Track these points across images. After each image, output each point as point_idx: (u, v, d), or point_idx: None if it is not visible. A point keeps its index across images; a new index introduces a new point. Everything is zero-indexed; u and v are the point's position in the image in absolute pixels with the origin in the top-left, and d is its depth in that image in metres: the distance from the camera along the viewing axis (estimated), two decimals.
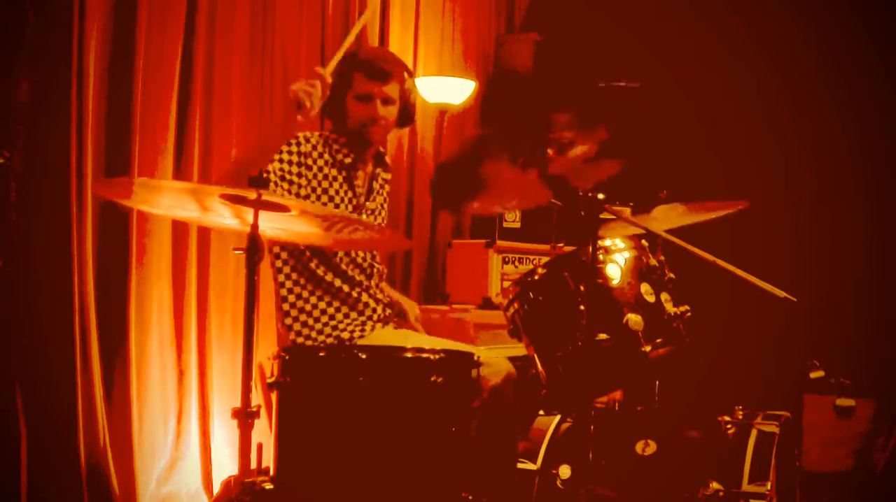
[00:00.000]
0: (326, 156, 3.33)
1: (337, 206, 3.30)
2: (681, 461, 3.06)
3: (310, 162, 3.29)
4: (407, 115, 3.45)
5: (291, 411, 2.60)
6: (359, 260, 3.36)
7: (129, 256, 3.81)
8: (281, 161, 3.23)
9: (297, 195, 3.23)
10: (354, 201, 3.37)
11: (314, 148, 3.31)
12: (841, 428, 4.86)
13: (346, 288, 3.32)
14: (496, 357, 3.11)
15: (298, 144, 3.28)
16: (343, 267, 3.32)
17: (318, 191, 3.30)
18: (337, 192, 3.33)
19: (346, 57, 3.30)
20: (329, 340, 3.26)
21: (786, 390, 4.87)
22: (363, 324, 3.31)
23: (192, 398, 4.10)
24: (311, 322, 3.28)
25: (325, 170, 3.32)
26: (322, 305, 3.29)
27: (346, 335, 3.26)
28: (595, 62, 5.64)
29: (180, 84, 4.03)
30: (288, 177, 3.23)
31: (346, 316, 3.31)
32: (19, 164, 3.45)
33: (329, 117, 3.43)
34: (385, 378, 2.55)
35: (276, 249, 3.31)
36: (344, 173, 3.36)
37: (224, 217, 2.53)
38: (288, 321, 3.29)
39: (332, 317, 3.29)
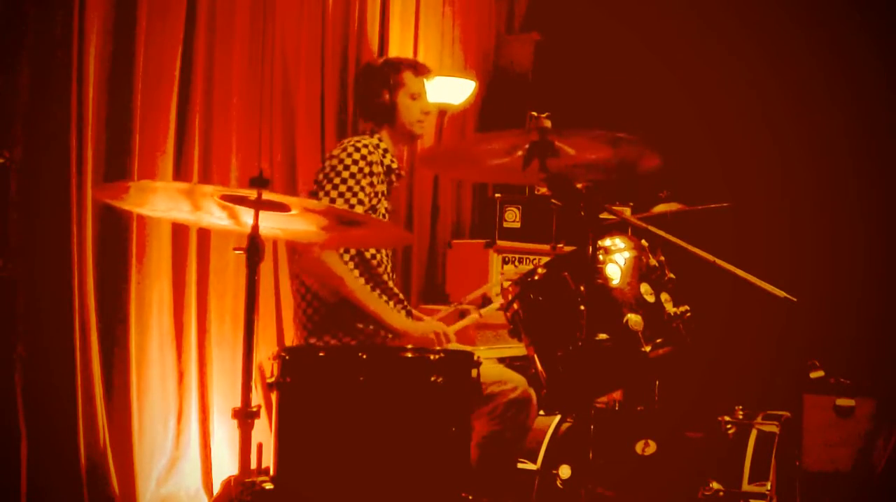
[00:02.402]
0: (383, 161, 3.35)
1: (374, 209, 3.30)
2: (681, 461, 3.06)
3: (377, 169, 3.30)
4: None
5: (291, 411, 2.60)
6: (374, 261, 3.37)
7: (129, 256, 3.81)
8: (362, 173, 3.24)
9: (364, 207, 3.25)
10: (385, 203, 3.39)
11: (377, 156, 3.32)
12: (841, 428, 4.86)
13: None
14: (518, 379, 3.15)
15: (370, 153, 3.28)
16: (377, 270, 3.34)
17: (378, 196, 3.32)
18: (376, 194, 3.34)
19: (385, 63, 3.49)
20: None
21: (786, 390, 4.87)
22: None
23: (192, 398, 4.10)
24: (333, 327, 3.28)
25: (382, 175, 3.34)
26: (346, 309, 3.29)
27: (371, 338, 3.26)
28: (595, 62, 5.64)
29: (180, 84, 4.03)
30: (366, 189, 3.24)
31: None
32: (19, 165, 3.45)
33: (374, 121, 3.46)
34: (385, 378, 2.55)
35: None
36: (386, 177, 3.38)
37: (222, 219, 2.53)
38: (310, 326, 3.29)
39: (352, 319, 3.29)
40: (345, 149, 3.29)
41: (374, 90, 3.45)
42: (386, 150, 3.39)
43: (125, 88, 3.80)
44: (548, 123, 2.62)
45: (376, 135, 3.41)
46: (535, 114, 2.63)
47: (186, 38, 4.05)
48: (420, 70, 3.49)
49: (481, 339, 4.34)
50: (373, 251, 3.32)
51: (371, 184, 3.26)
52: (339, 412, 2.53)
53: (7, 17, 3.42)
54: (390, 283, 3.38)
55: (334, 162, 3.28)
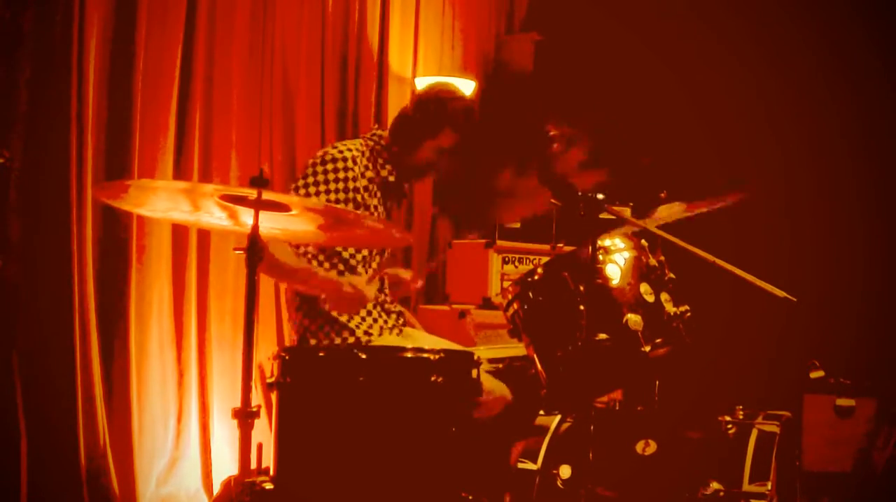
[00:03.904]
0: (370, 172, 3.29)
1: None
2: (681, 461, 3.05)
3: (360, 184, 3.24)
4: None
5: (291, 411, 2.60)
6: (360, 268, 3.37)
7: (129, 256, 3.81)
8: (328, 193, 3.19)
9: None
10: (379, 213, 3.37)
11: (359, 166, 3.25)
12: (841, 428, 4.86)
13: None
14: (492, 382, 3.13)
15: (348, 170, 3.21)
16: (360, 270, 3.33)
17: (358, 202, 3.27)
18: (373, 204, 3.32)
19: (438, 102, 3.30)
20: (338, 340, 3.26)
21: (786, 390, 4.86)
22: (376, 329, 3.31)
23: (192, 398, 4.10)
24: (325, 327, 3.27)
25: (371, 187, 3.29)
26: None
27: (359, 338, 3.26)
28: (595, 62, 5.64)
29: (180, 84, 4.04)
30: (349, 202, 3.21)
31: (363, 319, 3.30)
32: (19, 165, 3.45)
33: (395, 140, 3.36)
34: (385, 378, 2.55)
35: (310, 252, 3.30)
36: (380, 192, 3.34)
37: (222, 219, 2.53)
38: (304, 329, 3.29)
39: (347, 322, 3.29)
40: (321, 160, 3.23)
41: (413, 122, 3.34)
42: (386, 162, 3.34)
43: (125, 88, 3.81)
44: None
45: (360, 142, 3.34)
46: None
47: (186, 38, 4.06)
48: (462, 126, 3.32)
49: (481, 339, 4.33)
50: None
51: (346, 190, 3.20)
52: (339, 412, 2.53)
53: (7, 16, 3.42)
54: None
55: (307, 172, 3.24)
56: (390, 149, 3.35)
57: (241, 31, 4.35)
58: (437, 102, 3.33)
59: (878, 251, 5.30)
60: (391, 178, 3.35)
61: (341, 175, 3.21)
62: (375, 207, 3.31)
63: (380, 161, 3.33)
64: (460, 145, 3.34)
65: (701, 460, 3.03)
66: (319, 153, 3.27)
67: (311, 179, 3.20)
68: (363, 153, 3.29)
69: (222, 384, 4.19)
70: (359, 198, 3.23)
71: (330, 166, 3.20)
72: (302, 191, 3.18)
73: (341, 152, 3.23)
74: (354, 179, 3.22)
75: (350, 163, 3.22)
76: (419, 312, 4.75)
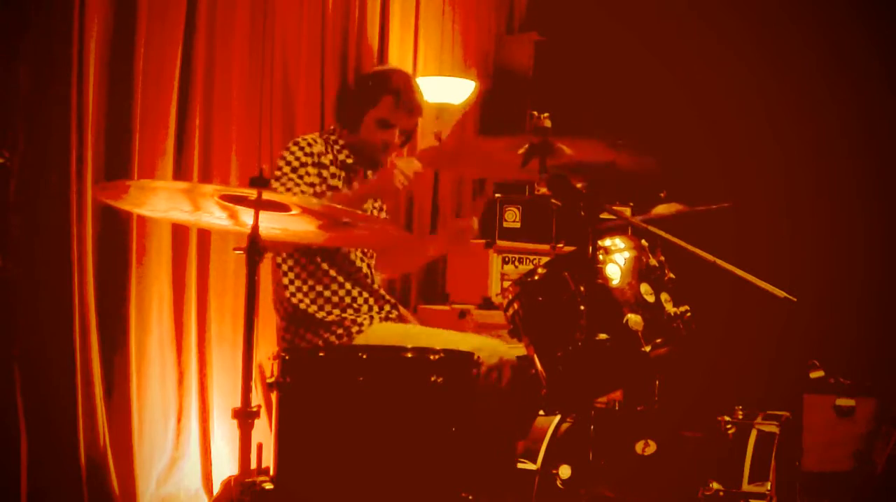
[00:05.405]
0: (330, 155, 3.37)
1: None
2: (681, 461, 3.05)
3: (325, 160, 3.33)
4: (408, 139, 3.54)
5: (291, 411, 2.60)
6: (358, 262, 3.38)
7: (129, 256, 3.81)
8: (301, 163, 3.25)
9: (315, 195, 3.25)
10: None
11: (321, 148, 3.34)
12: (841, 428, 4.86)
13: (353, 290, 3.33)
14: (493, 345, 3.14)
15: (310, 145, 3.31)
16: (354, 266, 3.34)
17: (327, 189, 3.33)
18: (339, 190, 3.35)
19: (377, 74, 3.43)
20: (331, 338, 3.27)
21: (786, 390, 4.86)
22: (366, 319, 3.31)
23: (192, 398, 4.10)
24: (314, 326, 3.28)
25: (332, 169, 3.36)
26: (329, 307, 3.29)
27: (348, 330, 3.27)
28: (595, 62, 5.64)
29: (180, 84, 4.04)
30: (307, 178, 3.25)
31: (351, 314, 3.31)
32: (19, 164, 3.45)
33: (339, 120, 3.48)
34: (385, 378, 2.55)
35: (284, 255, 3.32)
36: (343, 173, 3.39)
37: (221, 219, 2.54)
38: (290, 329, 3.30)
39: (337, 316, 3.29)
40: (286, 149, 3.31)
41: (352, 94, 3.45)
42: (343, 147, 3.40)
43: (125, 88, 3.80)
44: (548, 123, 2.62)
45: (315, 134, 3.41)
46: (535, 113, 2.63)
47: (186, 38, 4.05)
48: (403, 104, 3.34)
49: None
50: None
51: (319, 174, 3.28)
52: (339, 412, 2.54)
53: (7, 17, 3.42)
54: (364, 269, 3.39)
55: (279, 163, 3.30)
56: (340, 132, 3.43)
57: (241, 31, 4.34)
58: (374, 75, 3.47)
59: (878, 251, 5.30)
60: (349, 160, 3.40)
61: (307, 150, 3.28)
62: (339, 188, 3.36)
63: (336, 147, 3.40)
64: (404, 119, 3.38)
65: (701, 460, 3.03)
66: (282, 152, 3.34)
67: (286, 170, 3.25)
68: (317, 141, 3.36)
69: (222, 384, 4.19)
70: (324, 173, 3.30)
71: (298, 152, 3.27)
72: (282, 189, 3.20)
73: (297, 142, 3.33)
74: (320, 155, 3.30)
75: (311, 141, 3.32)
76: (419, 312, 4.75)
